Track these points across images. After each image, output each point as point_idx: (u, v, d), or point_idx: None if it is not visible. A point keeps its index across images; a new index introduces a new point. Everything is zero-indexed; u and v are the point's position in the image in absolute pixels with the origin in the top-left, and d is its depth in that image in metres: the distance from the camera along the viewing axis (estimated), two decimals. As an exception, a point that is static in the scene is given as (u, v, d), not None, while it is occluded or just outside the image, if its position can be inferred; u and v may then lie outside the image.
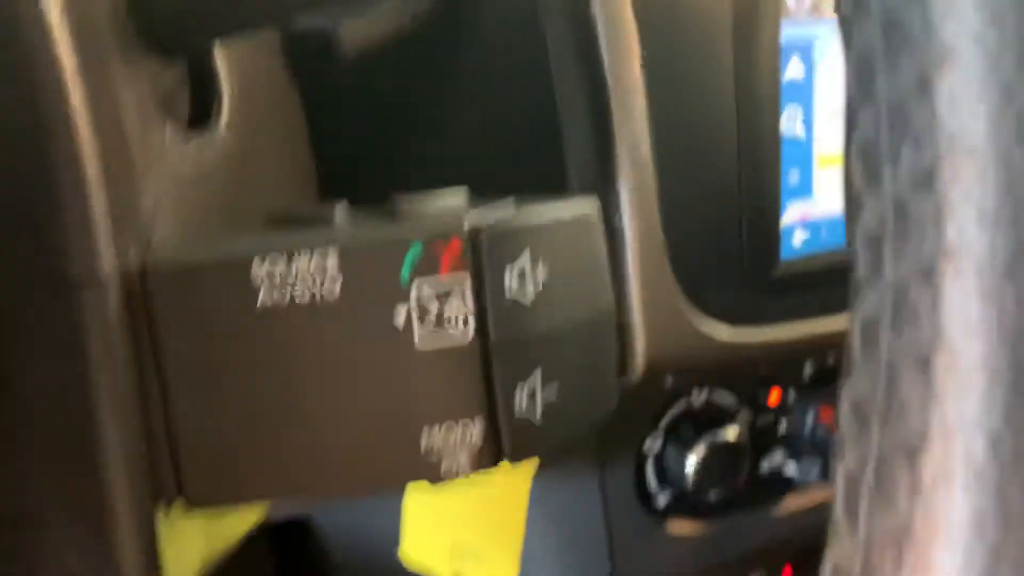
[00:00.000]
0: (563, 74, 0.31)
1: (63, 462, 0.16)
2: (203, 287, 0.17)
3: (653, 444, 0.41)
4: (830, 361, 0.43)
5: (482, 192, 0.34)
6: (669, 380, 0.40)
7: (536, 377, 0.18)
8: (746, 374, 0.42)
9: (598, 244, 0.20)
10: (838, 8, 0.12)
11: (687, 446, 0.41)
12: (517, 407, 0.18)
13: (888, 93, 0.12)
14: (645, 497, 0.42)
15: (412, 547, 0.44)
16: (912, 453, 0.11)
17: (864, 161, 0.12)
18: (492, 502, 0.41)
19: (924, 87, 0.11)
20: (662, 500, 0.42)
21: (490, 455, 0.18)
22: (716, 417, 0.42)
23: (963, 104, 0.11)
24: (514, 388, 0.17)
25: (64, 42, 0.16)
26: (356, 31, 0.33)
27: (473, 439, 0.17)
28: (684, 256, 0.33)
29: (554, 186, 0.32)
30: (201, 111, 0.23)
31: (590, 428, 0.20)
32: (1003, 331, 0.11)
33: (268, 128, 0.26)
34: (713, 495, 0.42)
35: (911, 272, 0.12)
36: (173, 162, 0.21)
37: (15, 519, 0.16)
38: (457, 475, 0.18)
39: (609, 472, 0.41)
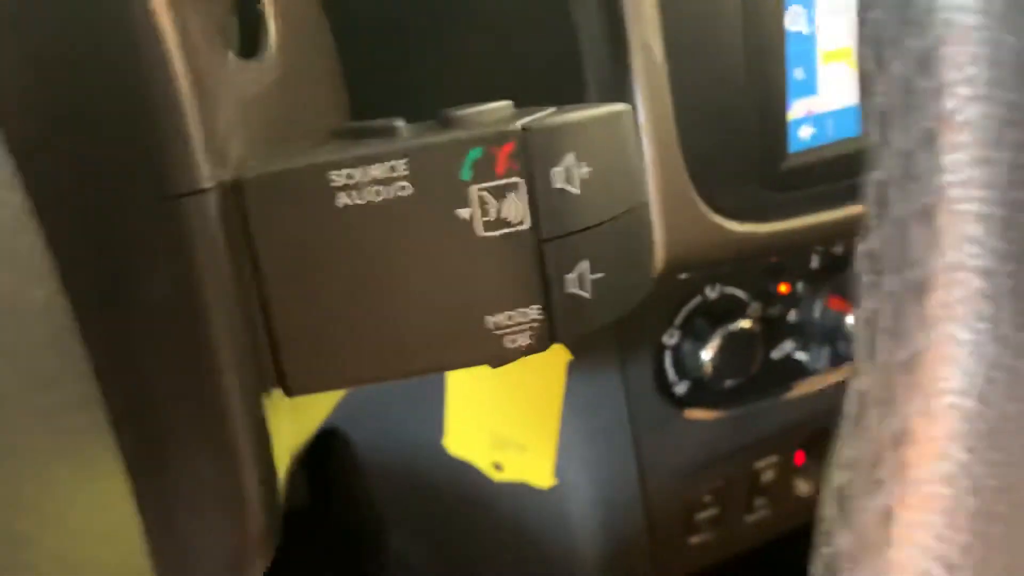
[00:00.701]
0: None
1: (179, 358, 0.18)
2: (288, 193, 0.19)
3: (670, 338, 0.44)
4: (837, 251, 0.46)
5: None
6: (683, 277, 0.42)
7: (584, 265, 0.20)
8: (756, 268, 0.44)
9: (632, 138, 0.22)
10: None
11: (702, 338, 0.44)
12: (568, 292, 0.20)
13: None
14: (664, 388, 0.45)
15: (455, 439, 0.47)
16: (919, 293, 0.14)
17: (874, 47, 0.14)
18: (529, 394, 0.43)
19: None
20: (680, 390, 0.45)
21: (547, 335, 0.20)
22: (729, 310, 0.44)
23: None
24: (564, 275, 0.20)
25: None
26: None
27: (533, 322, 0.20)
28: (696, 155, 0.35)
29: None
30: (252, 40, 0.25)
31: (630, 309, 0.22)
32: (993, 187, 0.13)
33: (309, 53, 0.27)
34: (728, 383, 0.44)
35: (915, 140, 0.14)
36: (236, 86, 0.23)
37: (142, 411, 0.18)
38: (517, 356, 0.20)
39: (630, 366, 0.44)
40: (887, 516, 0.14)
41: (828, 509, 0.15)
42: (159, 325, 0.18)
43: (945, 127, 0.13)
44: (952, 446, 0.13)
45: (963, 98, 0.13)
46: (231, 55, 0.23)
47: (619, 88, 0.33)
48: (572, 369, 0.43)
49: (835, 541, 0.15)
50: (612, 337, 0.43)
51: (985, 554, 0.13)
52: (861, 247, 0.15)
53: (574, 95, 0.34)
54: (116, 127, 0.17)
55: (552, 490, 0.46)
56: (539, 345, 0.20)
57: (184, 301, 0.18)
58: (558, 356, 0.42)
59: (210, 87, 0.21)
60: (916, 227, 0.14)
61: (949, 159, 0.13)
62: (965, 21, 0.13)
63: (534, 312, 0.20)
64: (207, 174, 0.18)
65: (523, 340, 0.20)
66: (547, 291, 0.20)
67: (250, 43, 0.25)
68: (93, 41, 0.17)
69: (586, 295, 0.20)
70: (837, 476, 0.15)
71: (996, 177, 0.13)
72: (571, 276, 0.20)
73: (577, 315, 0.20)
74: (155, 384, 0.18)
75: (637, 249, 0.22)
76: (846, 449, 0.15)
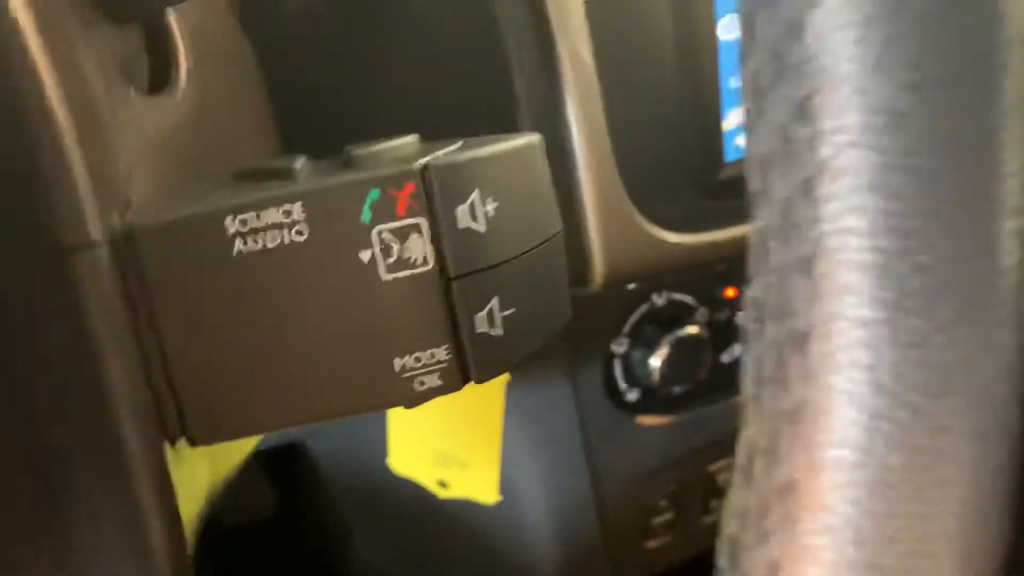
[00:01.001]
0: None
1: (77, 412, 0.18)
2: (183, 242, 0.18)
3: (619, 346, 0.44)
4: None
5: (436, 136, 0.35)
6: (631, 286, 0.42)
7: (495, 302, 0.20)
8: (703, 274, 0.44)
9: (543, 170, 0.21)
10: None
11: (651, 346, 0.43)
12: (479, 332, 0.20)
13: (768, 35, 0.13)
14: (615, 395, 0.44)
15: (398, 458, 0.47)
16: (801, 343, 0.14)
17: (753, 95, 0.14)
18: (469, 411, 0.43)
19: (795, 27, 0.13)
20: (631, 397, 0.45)
21: (458, 377, 0.20)
22: (677, 316, 0.44)
23: (828, 42, 0.13)
24: (474, 315, 0.19)
25: (24, 11, 0.17)
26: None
27: (441, 364, 0.19)
28: (632, 167, 0.35)
29: (506, 125, 0.34)
30: (160, 74, 0.24)
31: (547, 341, 0.22)
32: (869, 235, 0.13)
33: (227, 86, 0.27)
34: (678, 388, 0.44)
35: (794, 188, 0.13)
36: (139, 125, 0.22)
37: (42, 466, 0.18)
38: (428, 397, 0.20)
39: (580, 375, 0.44)
40: (774, 568, 0.14)
41: (720, 558, 0.15)
42: (56, 379, 0.18)
43: (822, 175, 0.13)
44: (834, 498, 0.13)
45: (839, 145, 0.13)
46: (133, 93, 0.22)
47: (551, 100, 0.33)
48: (521, 381, 0.43)
49: None
50: (561, 347, 0.43)
51: (868, 607, 0.13)
52: (747, 294, 0.15)
53: (505, 110, 0.34)
54: (1, 181, 0.17)
55: (507, 501, 0.46)
56: (450, 386, 0.20)
57: (80, 354, 0.18)
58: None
59: (107, 129, 0.20)
60: (796, 276, 0.14)
61: (827, 208, 0.13)
62: (839, 69, 0.13)
63: (442, 353, 0.19)
64: (97, 226, 0.17)
65: (433, 381, 0.19)
66: (456, 331, 0.19)
67: (160, 78, 0.24)
68: None
69: (498, 333, 0.20)
70: (728, 525, 0.15)
71: (872, 225, 0.13)
72: (481, 315, 0.20)
73: (490, 353, 0.20)
74: (54, 438, 0.18)
75: (551, 280, 0.22)
76: (736, 498, 0.15)
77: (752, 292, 0.14)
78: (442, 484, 0.46)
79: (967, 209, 0.13)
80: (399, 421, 0.45)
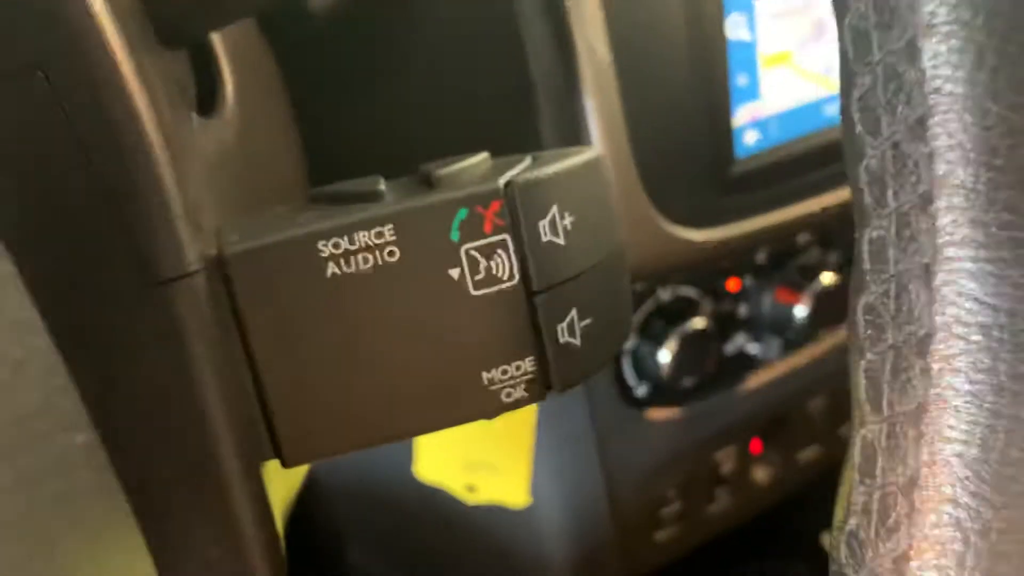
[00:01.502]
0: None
1: (179, 439, 0.18)
2: (276, 266, 0.18)
3: (628, 343, 0.45)
4: (782, 246, 0.47)
5: (464, 137, 0.35)
6: (639, 283, 0.43)
7: (574, 313, 0.20)
8: (707, 268, 0.45)
9: (608, 184, 0.22)
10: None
11: (659, 340, 0.44)
12: (561, 342, 0.20)
13: (883, 57, 0.14)
14: (625, 391, 0.45)
15: (426, 465, 0.47)
16: (921, 347, 0.14)
17: (864, 113, 0.15)
18: (503, 418, 0.44)
19: (913, 52, 0.14)
20: (640, 392, 0.46)
21: (541, 387, 0.20)
22: (682, 310, 0.45)
23: (944, 65, 0.14)
24: (556, 326, 0.20)
25: (113, 35, 0.17)
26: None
27: (527, 375, 0.20)
28: (648, 165, 0.35)
29: (525, 123, 0.34)
30: (209, 96, 0.24)
31: (619, 349, 0.22)
32: (985, 247, 0.14)
33: (264, 107, 0.27)
34: (686, 381, 0.45)
35: (911, 202, 0.14)
36: (201, 149, 0.22)
37: (151, 493, 0.18)
38: (513, 408, 0.20)
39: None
40: (902, 560, 0.15)
41: (840, 553, 0.16)
42: (157, 408, 0.18)
43: (939, 190, 0.14)
44: (959, 491, 0.14)
45: (954, 162, 0.14)
46: (194, 116, 0.22)
47: (568, 96, 0.34)
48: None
49: None
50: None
51: (997, 593, 0.14)
52: (860, 300, 0.15)
53: (524, 108, 0.34)
54: (99, 218, 0.17)
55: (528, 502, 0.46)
56: (534, 396, 0.20)
57: (180, 381, 0.18)
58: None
59: (181, 156, 0.20)
60: (915, 284, 0.14)
61: (944, 220, 0.14)
62: (954, 91, 0.14)
63: (528, 364, 0.20)
64: (194, 256, 0.18)
65: (519, 393, 0.20)
66: (540, 343, 0.20)
67: (208, 100, 0.24)
68: (68, 132, 0.17)
69: (577, 343, 0.20)
70: (849, 520, 0.15)
71: (988, 237, 0.14)
72: (562, 326, 0.20)
73: (570, 363, 0.20)
74: (159, 466, 0.18)
75: (619, 290, 0.22)
76: (856, 495, 0.15)
77: (867, 298, 0.15)
78: (471, 489, 0.46)
79: None
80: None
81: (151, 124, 0.17)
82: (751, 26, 0.37)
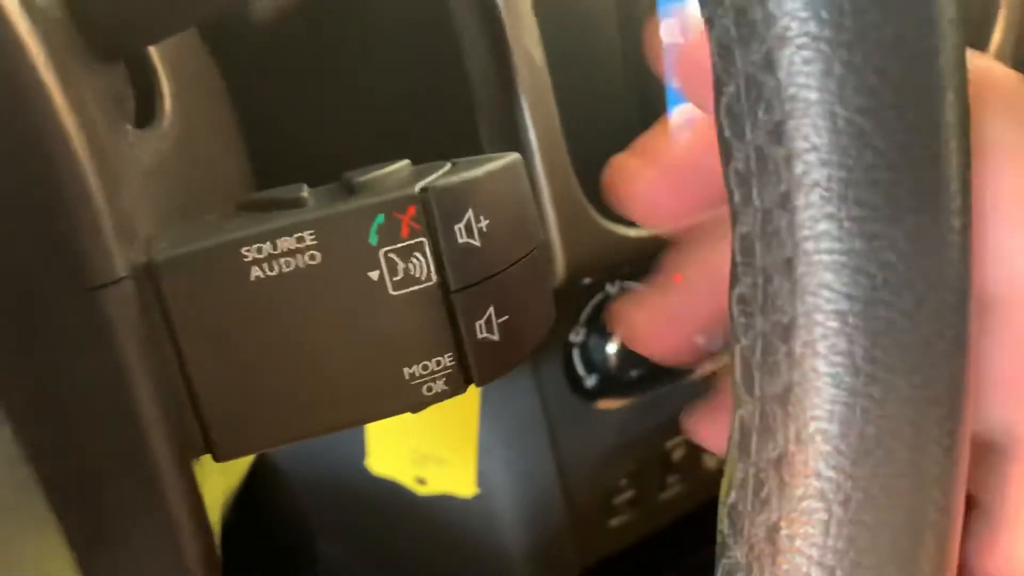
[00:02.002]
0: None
1: (112, 440, 0.19)
2: (202, 271, 0.19)
3: (576, 335, 0.46)
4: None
5: (401, 143, 0.36)
6: (586, 279, 0.44)
7: (491, 311, 0.21)
8: (645, 263, 0.46)
9: (525, 185, 0.23)
10: (700, 2, 0.16)
11: (607, 333, 0.46)
12: (479, 338, 0.21)
13: (744, 67, 0.15)
14: (575, 383, 0.47)
15: (377, 459, 0.48)
16: (786, 334, 0.16)
17: (730, 119, 0.16)
18: (446, 412, 0.45)
19: (770, 62, 0.15)
20: (590, 383, 0.47)
21: (462, 381, 0.21)
22: (629, 304, 0.46)
23: (798, 74, 0.15)
24: (474, 323, 0.21)
25: (36, 50, 0.18)
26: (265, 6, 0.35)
27: (447, 370, 0.21)
28: (585, 164, 0.37)
29: (463, 128, 0.35)
30: (146, 107, 0.25)
31: (539, 342, 0.24)
32: (840, 240, 0.15)
33: (206, 115, 0.28)
34: (634, 373, 0.47)
35: (772, 201, 0.16)
36: (136, 159, 0.23)
37: (81, 492, 0.19)
38: (435, 401, 0.21)
39: (542, 366, 0.46)
40: (774, 530, 0.16)
41: (722, 524, 0.17)
42: (89, 411, 0.19)
43: (798, 189, 0.15)
44: (822, 466, 0.15)
45: (810, 163, 0.15)
46: (129, 127, 0.23)
47: (505, 102, 0.35)
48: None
49: (731, 553, 0.17)
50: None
51: (856, 558, 0.15)
52: (734, 291, 0.17)
53: (462, 112, 0.35)
54: (29, 228, 0.18)
55: (476, 492, 0.47)
56: (455, 390, 0.21)
57: (111, 384, 0.19)
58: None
59: (113, 165, 0.21)
60: (779, 276, 0.16)
61: (802, 216, 0.15)
62: (807, 97, 0.15)
63: (448, 360, 0.21)
64: (123, 263, 0.19)
65: (439, 387, 0.21)
66: (458, 339, 0.21)
67: (146, 111, 0.25)
68: None
69: (495, 338, 0.22)
70: (730, 495, 0.17)
71: (842, 231, 0.15)
72: (480, 322, 0.21)
73: (489, 358, 0.22)
74: (91, 466, 0.19)
75: (538, 287, 0.23)
76: (735, 471, 0.17)
77: (738, 289, 0.16)
78: (421, 481, 0.47)
79: (920, 213, 0.15)
80: (378, 425, 0.46)
81: (78, 138, 0.18)
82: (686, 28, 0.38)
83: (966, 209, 0.15)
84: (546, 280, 0.24)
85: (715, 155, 0.17)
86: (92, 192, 0.18)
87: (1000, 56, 0.49)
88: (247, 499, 0.61)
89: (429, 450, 0.46)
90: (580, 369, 0.47)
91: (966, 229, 0.15)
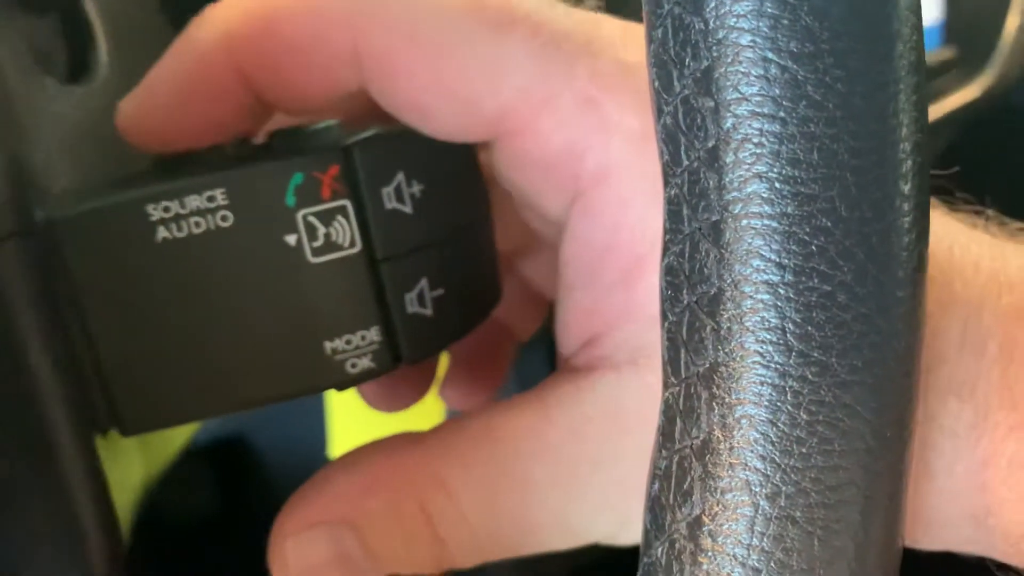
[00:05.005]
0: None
1: (4, 404, 0.18)
2: (104, 231, 0.18)
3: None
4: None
5: None
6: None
7: (424, 283, 0.20)
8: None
9: (469, 152, 0.22)
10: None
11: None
12: (409, 312, 0.20)
13: (671, 8, 0.14)
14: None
15: (341, 449, 0.47)
16: (712, 307, 0.14)
17: (658, 69, 0.14)
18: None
19: (697, 3, 0.13)
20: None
21: (390, 358, 0.20)
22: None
23: (727, 15, 0.13)
24: (403, 295, 0.20)
25: None
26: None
27: (373, 345, 0.19)
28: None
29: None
30: (79, 62, 0.24)
31: (480, 322, 0.22)
32: (770, 202, 0.13)
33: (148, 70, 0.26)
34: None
35: (700, 158, 0.14)
36: (59, 114, 0.22)
37: None
38: (362, 379, 0.20)
39: (523, 356, 0.44)
40: (696, 525, 0.14)
41: (645, 518, 0.15)
42: None
43: (727, 144, 0.14)
44: (748, 455, 0.14)
45: (741, 116, 0.13)
46: (50, 82, 0.22)
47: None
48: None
49: (651, 552, 0.15)
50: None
51: (784, 558, 0.14)
52: (663, 262, 0.15)
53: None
54: None
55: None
56: (383, 367, 0.20)
57: (3, 347, 0.17)
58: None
59: (24, 119, 0.20)
60: (705, 243, 0.14)
61: (731, 175, 0.14)
62: (737, 41, 0.13)
63: (373, 334, 0.19)
64: (16, 218, 0.17)
65: (365, 363, 0.20)
66: (386, 312, 0.20)
67: (78, 67, 0.24)
68: None
69: (428, 313, 0.20)
70: (653, 485, 0.15)
71: (774, 191, 0.13)
72: (410, 295, 0.20)
73: (421, 334, 0.20)
74: None
75: (481, 262, 0.22)
76: (657, 459, 0.15)
77: (667, 260, 0.15)
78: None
79: (863, 173, 0.13)
80: (341, 412, 0.45)
81: None
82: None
83: (918, 172, 0.14)
84: (491, 256, 0.23)
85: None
86: None
87: (1015, 41, 0.46)
88: (231, 491, 0.60)
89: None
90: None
91: (919, 192, 0.14)
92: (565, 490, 0.19)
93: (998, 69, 0.51)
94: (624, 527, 0.20)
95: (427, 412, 0.44)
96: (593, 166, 0.19)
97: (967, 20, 0.51)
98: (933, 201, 0.20)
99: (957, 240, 0.19)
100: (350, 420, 0.46)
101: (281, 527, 0.20)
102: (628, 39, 0.19)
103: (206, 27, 0.20)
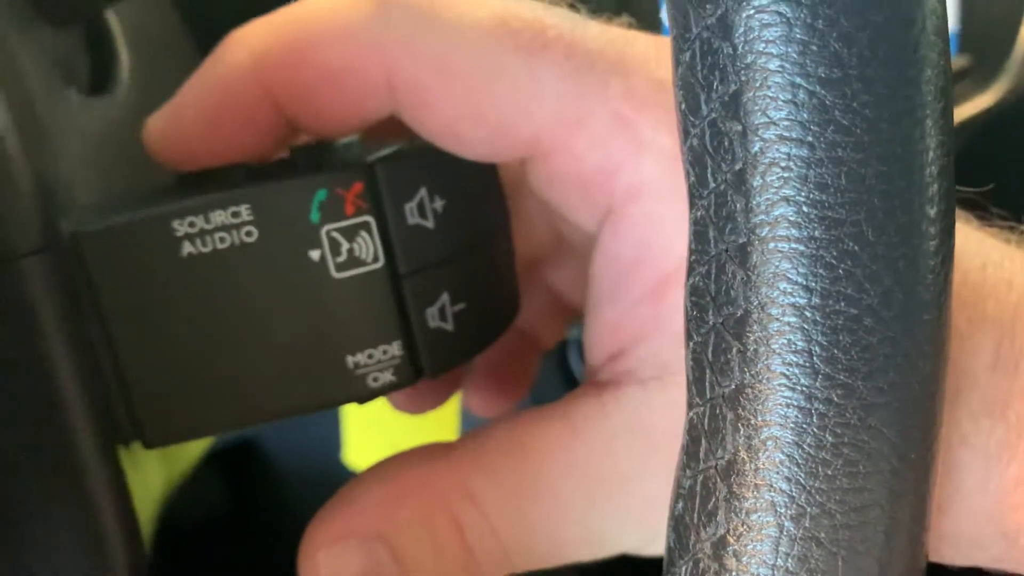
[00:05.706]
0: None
1: (30, 418, 0.18)
2: (130, 246, 0.18)
3: (572, 329, 0.45)
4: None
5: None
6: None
7: (445, 298, 0.20)
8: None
9: (488, 166, 0.22)
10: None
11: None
12: (431, 327, 0.20)
13: (699, 32, 0.14)
14: (569, 378, 0.45)
15: (355, 453, 0.47)
16: (738, 329, 0.14)
17: (685, 91, 0.14)
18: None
19: (725, 25, 0.13)
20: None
21: (411, 372, 0.20)
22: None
23: (756, 40, 0.13)
24: (424, 310, 0.20)
25: None
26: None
27: (394, 360, 0.20)
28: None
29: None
30: (101, 74, 0.24)
31: (499, 335, 0.22)
32: (798, 226, 0.13)
33: (169, 82, 0.27)
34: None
35: (727, 181, 0.14)
36: (81, 127, 0.22)
37: None
38: (383, 393, 0.20)
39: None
40: (720, 545, 0.14)
41: (668, 537, 0.15)
42: (5, 384, 0.18)
43: (754, 168, 0.14)
44: (773, 476, 0.14)
45: (768, 140, 0.13)
46: (74, 93, 0.22)
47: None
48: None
49: (675, 569, 0.15)
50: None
51: (808, 579, 0.14)
52: (688, 282, 0.15)
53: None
54: None
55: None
56: (404, 381, 0.20)
57: (29, 359, 0.18)
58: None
59: (48, 131, 0.20)
60: (731, 265, 0.14)
61: (759, 199, 0.14)
62: (765, 66, 0.13)
63: (396, 348, 0.20)
64: (44, 233, 0.17)
65: (386, 377, 0.20)
66: (408, 327, 0.20)
67: (100, 78, 0.24)
68: None
69: (449, 327, 0.20)
70: (677, 505, 0.15)
71: (801, 215, 0.13)
72: (432, 310, 0.20)
73: (442, 348, 0.20)
74: (8, 446, 0.18)
75: (501, 275, 0.22)
76: (681, 478, 0.15)
77: (693, 280, 0.15)
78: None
79: (890, 197, 0.13)
80: (356, 417, 0.45)
81: None
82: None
83: (944, 196, 0.14)
84: (512, 268, 0.23)
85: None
86: (12, 158, 0.17)
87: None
88: (241, 495, 0.60)
89: (409, 444, 0.45)
90: (575, 364, 0.45)
91: (945, 216, 0.14)
92: (593, 505, 0.20)
93: (1013, 77, 0.51)
94: (652, 541, 0.20)
95: (440, 417, 0.44)
96: (625, 184, 0.19)
97: (982, 29, 0.51)
98: (966, 216, 0.20)
99: (990, 258, 0.19)
100: (364, 425, 0.46)
101: (312, 539, 0.20)
102: (661, 56, 0.19)
103: (237, 49, 0.20)
